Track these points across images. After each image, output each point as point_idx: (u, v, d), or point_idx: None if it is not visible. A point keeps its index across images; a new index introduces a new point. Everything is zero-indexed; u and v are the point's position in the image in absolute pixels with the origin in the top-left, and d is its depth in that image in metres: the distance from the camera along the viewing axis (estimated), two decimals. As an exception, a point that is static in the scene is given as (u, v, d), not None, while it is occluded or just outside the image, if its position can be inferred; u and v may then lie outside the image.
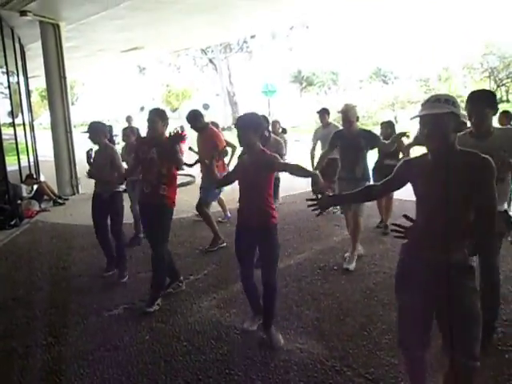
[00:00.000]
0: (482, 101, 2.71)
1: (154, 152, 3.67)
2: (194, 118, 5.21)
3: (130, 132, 6.00)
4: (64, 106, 9.39)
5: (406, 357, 2.24)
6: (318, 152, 6.95)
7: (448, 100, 1.91)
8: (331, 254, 4.89)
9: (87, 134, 4.40)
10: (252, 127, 3.02)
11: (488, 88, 27.90)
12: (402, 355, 2.27)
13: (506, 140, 2.71)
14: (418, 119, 1.96)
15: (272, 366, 2.80)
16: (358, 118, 4.49)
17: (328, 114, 6.72)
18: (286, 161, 5.01)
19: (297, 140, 16.69)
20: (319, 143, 6.68)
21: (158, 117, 3.68)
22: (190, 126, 5.28)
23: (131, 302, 3.86)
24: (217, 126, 6.54)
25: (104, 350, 3.09)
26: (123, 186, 4.65)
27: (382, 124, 6.11)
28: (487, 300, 2.95)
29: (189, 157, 5.50)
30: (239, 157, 3.51)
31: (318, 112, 6.79)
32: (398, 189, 2.26)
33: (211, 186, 5.12)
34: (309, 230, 5.93)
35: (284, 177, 4.59)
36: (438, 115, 1.89)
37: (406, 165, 2.14)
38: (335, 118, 7.84)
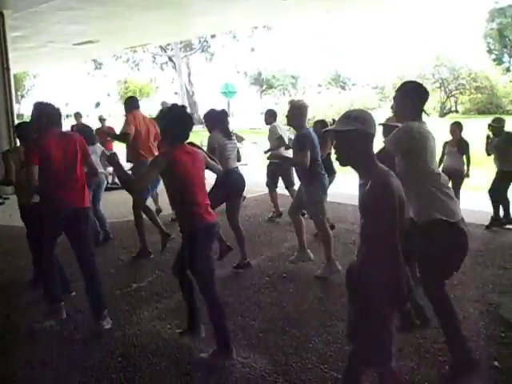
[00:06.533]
0: (404, 90, 2.76)
1: None
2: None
3: None
4: (7, 99, 8.85)
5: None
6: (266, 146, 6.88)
7: (357, 117, 1.95)
8: (281, 260, 4.80)
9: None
10: None
11: (438, 98, 29.16)
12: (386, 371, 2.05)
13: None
14: None
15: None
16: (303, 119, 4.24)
17: (272, 115, 6.70)
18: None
19: (254, 142, 16.62)
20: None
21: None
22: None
23: (66, 313, 3.58)
24: None
25: (30, 367, 2.84)
26: None
27: (314, 122, 6.10)
28: None
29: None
30: None
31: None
32: None
33: None
34: (260, 236, 5.82)
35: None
36: (341, 132, 1.97)
37: None
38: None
